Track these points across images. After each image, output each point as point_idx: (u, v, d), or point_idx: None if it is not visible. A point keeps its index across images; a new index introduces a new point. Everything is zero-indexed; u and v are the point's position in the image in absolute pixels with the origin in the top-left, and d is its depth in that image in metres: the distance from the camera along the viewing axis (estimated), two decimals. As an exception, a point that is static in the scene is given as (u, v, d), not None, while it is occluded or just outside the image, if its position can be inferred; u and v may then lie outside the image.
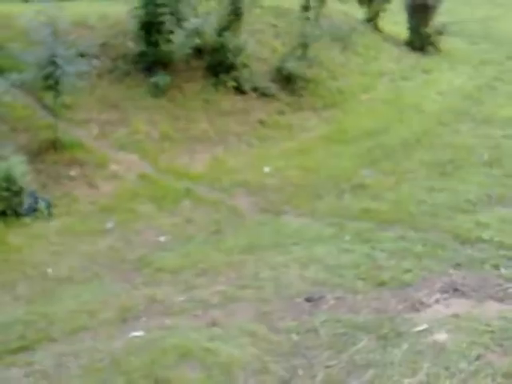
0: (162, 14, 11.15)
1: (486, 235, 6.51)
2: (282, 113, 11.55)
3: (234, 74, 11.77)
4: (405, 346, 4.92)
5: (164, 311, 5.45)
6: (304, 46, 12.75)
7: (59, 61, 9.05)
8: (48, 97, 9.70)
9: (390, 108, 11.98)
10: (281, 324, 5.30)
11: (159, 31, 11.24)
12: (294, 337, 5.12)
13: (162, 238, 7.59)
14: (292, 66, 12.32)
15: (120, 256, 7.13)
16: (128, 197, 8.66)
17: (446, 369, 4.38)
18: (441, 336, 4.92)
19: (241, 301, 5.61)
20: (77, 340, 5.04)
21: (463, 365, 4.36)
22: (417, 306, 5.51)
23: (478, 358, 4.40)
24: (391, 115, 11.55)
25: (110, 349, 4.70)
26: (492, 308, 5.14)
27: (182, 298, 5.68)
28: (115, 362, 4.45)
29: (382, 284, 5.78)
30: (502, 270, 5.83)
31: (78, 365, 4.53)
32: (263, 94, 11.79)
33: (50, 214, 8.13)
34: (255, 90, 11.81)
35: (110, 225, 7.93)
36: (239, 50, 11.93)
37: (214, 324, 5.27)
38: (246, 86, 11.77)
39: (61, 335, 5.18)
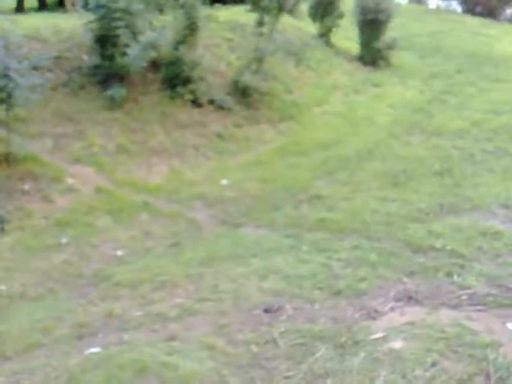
0: (117, 28, 11.10)
1: (438, 244, 6.67)
2: (238, 125, 11.63)
3: (191, 86, 11.80)
4: (362, 354, 4.99)
5: (121, 326, 5.38)
6: (259, 60, 12.89)
7: (12, 74, 8.90)
8: (0, 110, 9.51)
9: (343, 120, 12.20)
10: (240, 336, 5.30)
11: (114, 44, 11.18)
12: (253, 348, 5.13)
13: (120, 252, 7.52)
14: (248, 79, 12.44)
15: (76, 271, 7.02)
16: (84, 210, 8.54)
17: (403, 376, 4.47)
18: (397, 343, 5.02)
19: (199, 314, 5.60)
20: (31, 358, 4.93)
21: (419, 372, 4.45)
22: (372, 314, 5.59)
23: (433, 364, 4.50)
24: (344, 127, 11.75)
25: (66, 366, 4.62)
26: (446, 315, 5.27)
27: (139, 313, 5.63)
28: (71, 379, 4.38)
29: (338, 293, 5.85)
30: (455, 278, 5.98)
31: (33, 383, 4.44)
32: (220, 107, 11.85)
33: (2, 230, 7.95)
34: (212, 102, 11.87)
35: (64, 239, 7.81)
36: (195, 64, 11.98)
37: (172, 338, 5.24)
38: (203, 99, 11.82)
39: (14, 353, 5.06)
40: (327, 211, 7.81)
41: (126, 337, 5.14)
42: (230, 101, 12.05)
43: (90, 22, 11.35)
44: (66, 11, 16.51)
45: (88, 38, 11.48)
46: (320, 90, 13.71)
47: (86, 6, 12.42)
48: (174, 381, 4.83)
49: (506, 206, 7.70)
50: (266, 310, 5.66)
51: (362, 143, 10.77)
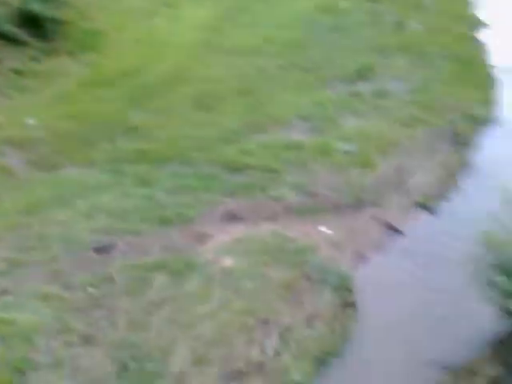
0: None
1: (251, 161, 7.11)
2: (36, 60, 10.81)
3: (-28, 18, 10.65)
4: (196, 277, 5.34)
5: None
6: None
7: None
8: None
9: (144, 46, 11.89)
10: (75, 280, 5.34)
11: None
12: (91, 290, 5.23)
13: None
14: (37, 7, 11.51)
15: None
16: None
17: (235, 291, 4.90)
18: (227, 261, 5.44)
19: (29, 264, 5.50)
20: None
21: (249, 284, 4.92)
22: (201, 238, 5.96)
23: (261, 276, 4.99)
24: (146, 53, 11.49)
25: None
26: (266, 228, 5.78)
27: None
28: None
29: (166, 222, 6.08)
30: (271, 192, 6.44)
31: None
32: (12, 41, 10.88)
33: None
34: (2, 36, 10.86)
35: None
36: (-27, -9, 10.80)
37: (3, 293, 5.14)
38: (-10, 32, 10.77)
39: None
40: (144, 142, 7.82)
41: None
42: (21, 33, 11.11)
43: None
44: None
45: None
46: (116, 15, 13.13)
47: None
48: (14, 336, 4.79)
49: (303, 118, 8.33)
50: (97, 250, 5.71)
51: (165, 68, 10.69)
